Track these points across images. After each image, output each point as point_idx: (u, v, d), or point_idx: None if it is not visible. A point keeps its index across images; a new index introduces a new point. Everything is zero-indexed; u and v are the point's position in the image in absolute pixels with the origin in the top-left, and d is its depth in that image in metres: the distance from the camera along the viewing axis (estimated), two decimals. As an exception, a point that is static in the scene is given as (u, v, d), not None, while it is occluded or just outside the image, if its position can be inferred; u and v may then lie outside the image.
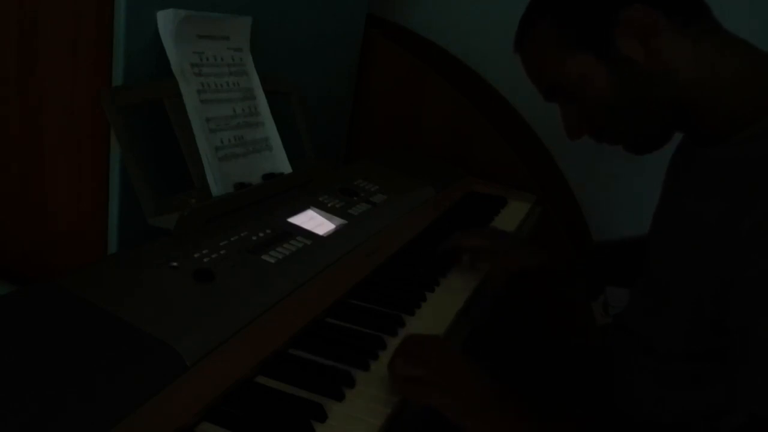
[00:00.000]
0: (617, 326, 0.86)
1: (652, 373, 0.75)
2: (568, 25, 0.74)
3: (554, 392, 0.93)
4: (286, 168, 1.11)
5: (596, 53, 0.72)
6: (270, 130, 1.10)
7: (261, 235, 0.89)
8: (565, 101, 0.79)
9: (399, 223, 1.13)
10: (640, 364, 0.77)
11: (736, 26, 0.73)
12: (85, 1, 0.87)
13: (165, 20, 0.90)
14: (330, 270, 0.89)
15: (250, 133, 1.05)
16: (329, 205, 1.06)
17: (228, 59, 1.03)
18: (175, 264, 0.75)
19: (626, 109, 0.73)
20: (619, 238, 1.07)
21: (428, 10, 1.82)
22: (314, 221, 0.99)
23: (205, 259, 0.78)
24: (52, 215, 1.00)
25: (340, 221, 1.02)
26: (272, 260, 0.83)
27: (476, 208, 1.38)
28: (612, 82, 0.72)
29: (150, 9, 0.89)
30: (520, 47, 0.81)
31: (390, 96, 1.65)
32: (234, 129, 1.02)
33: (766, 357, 0.57)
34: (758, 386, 0.58)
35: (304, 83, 1.21)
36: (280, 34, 1.20)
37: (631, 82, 0.72)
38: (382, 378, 0.70)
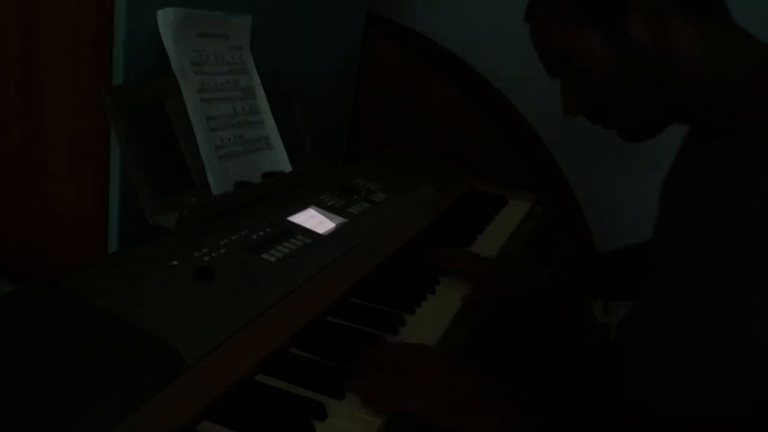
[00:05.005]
0: (627, 323, 0.86)
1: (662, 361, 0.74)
2: (581, 1, 0.73)
3: (554, 392, 0.92)
4: (286, 167, 1.11)
5: (605, 32, 0.71)
6: (270, 128, 1.10)
7: (261, 233, 0.88)
8: (568, 78, 0.78)
9: (399, 222, 1.13)
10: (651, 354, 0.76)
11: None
12: (85, 0, 0.87)
13: (165, 19, 0.90)
14: (330, 269, 0.89)
15: (250, 132, 1.05)
16: (329, 203, 1.06)
17: (228, 58, 1.03)
18: (175, 263, 0.75)
19: (628, 92, 0.73)
20: (615, 250, 1.06)
21: (428, 9, 1.82)
22: (314, 220, 0.99)
23: (206, 258, 0.78)
24: (53, 215, 1.00)
25: (341, 220, 1.02)
26: (272, 259, 0.83)
27: (476, 207, 1.38)
28: (618, 62, 0.72)
29: (150, 8, 0.89)
30: (531, 18, 0.80)
31: (390, 96, 1.65)
32: (234, 128, 1.02)
33: (763, 342, 0.57)
34: (757, 371, 0.57)
35: (304, 82, 1.21)
36: (280, 33, 1.20)
37: (636, 64, 0.71)
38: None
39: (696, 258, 0.68)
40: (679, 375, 0.71)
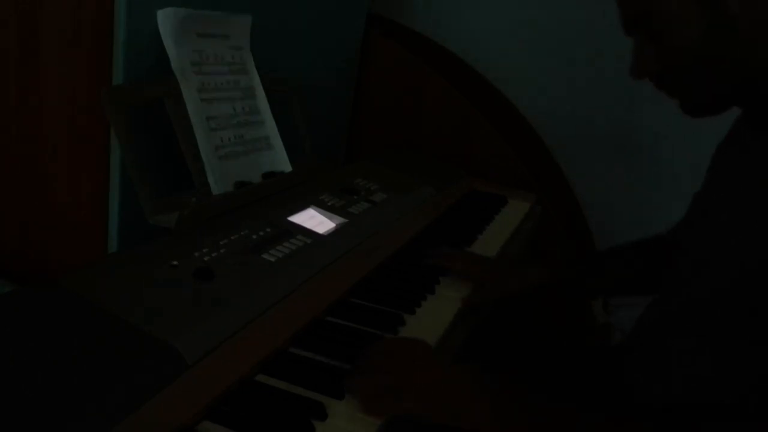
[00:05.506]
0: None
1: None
2: None
3: (553, 391, 0.92)
4: (286, 166, 1.11)
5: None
6: (270, 128, 1.10)
7: (261, 233, 0.88)
8: (645, 36, 0.74)
9: (399, 221, 1.13)
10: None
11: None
12: (85, 0, 0.87)
13: (165, 19, 0.90)
14: (330, 269, 0.89)
15: (250, 132, 1.05)
16: (329, 203, 1.06)
17: (228, 58, 1.03)
18: (175, 263, 0.75)
19: (703, 61, 0.70)
20: (615, 247, 1.05)
21: (428, 9, 1.82)
22: (314, 220, 0.99)
23: (206, 258, 0.78)
24: (53, 215, 1.00)
25: (341, 220, 1.02)
26: (272, 259, 0.83)
27: (476, 207, 1.38)
28: (702, 30, 0.68)
29: (150, 8, 0.89)
30: None
31: (390, 96, 1.65)
32: (234, 128, 1.02)
33: None
34: None
35: (304, 82, 1.21)
36: (280, 33, 1.20)
37: (720, 35, 0.68)
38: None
39: (718, 249, 0.67)
40: (679, 375, 0.71)
